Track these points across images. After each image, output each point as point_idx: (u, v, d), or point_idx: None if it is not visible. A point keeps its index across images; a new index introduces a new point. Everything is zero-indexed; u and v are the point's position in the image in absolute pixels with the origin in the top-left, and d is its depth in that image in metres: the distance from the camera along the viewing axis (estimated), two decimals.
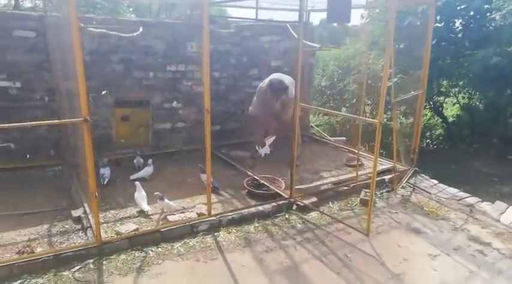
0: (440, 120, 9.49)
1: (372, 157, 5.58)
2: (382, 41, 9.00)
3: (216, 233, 3.66)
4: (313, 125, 7.29)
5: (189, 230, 3.61)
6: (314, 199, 4.29)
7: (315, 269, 3.23)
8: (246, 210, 3.95)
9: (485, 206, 4.44)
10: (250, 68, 6.17)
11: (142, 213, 3.86)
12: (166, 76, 5.45)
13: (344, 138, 6.95)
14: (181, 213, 3.83)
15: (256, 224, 3.86)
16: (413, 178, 5.17)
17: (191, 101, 5.74)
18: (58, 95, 4.56)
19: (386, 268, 3.27)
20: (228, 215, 3.83)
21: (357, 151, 5.03)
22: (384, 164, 5.43)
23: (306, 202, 4.20)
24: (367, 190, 4.59)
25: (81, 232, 3.52)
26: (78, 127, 3.73)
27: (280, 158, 5.65)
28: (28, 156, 4.50)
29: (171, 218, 3.71)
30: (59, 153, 4.78)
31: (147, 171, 4.77)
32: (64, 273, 2.97)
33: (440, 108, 9.31)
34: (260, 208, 4.03)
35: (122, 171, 4.85)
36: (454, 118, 9.95)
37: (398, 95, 7.86)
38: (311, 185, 4.53)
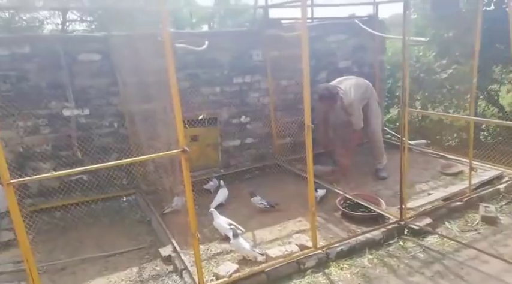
0: (496, 109, 8.43)
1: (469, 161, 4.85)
2: (429, 31, 8.20)
3: (326, 270, 3.10)
4: (387, 128, 6.57)
5: (295, 268, 3.08)
6: (428, 220, 3.63)
7: None
8: (354, 239, 3.37)
9: None
10: (318, 71, 5.61)
11: None
12: (232, 89, 5.01)
13: (425, 141, 6.20)
14: (280, 245, 3.33)
15: (370, 256, 3.27)
16: None
17: (259, 114, 5.28)
18: (128, 120, 4.23)
19: None
20: (335, 247, 3.26)
21: (462, 158, 4.28)
22: (488, 169, 4.67)
23: (421, 224, 3.55)
24: (486, 205, 3.88)
25: (175, 274, 3.09)
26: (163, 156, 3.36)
27: (358, 169, 5.04)
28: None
29: (271, 253, 3.20)
30: (132, 181, 4.44)
31: (224, 194, 4.33)
32: None
33: (496, 97, 8.29)
34: (368, 235, 3.43)
35: (196, 197, 4.43)
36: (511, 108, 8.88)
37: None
38: (423, 202, 3.87)
